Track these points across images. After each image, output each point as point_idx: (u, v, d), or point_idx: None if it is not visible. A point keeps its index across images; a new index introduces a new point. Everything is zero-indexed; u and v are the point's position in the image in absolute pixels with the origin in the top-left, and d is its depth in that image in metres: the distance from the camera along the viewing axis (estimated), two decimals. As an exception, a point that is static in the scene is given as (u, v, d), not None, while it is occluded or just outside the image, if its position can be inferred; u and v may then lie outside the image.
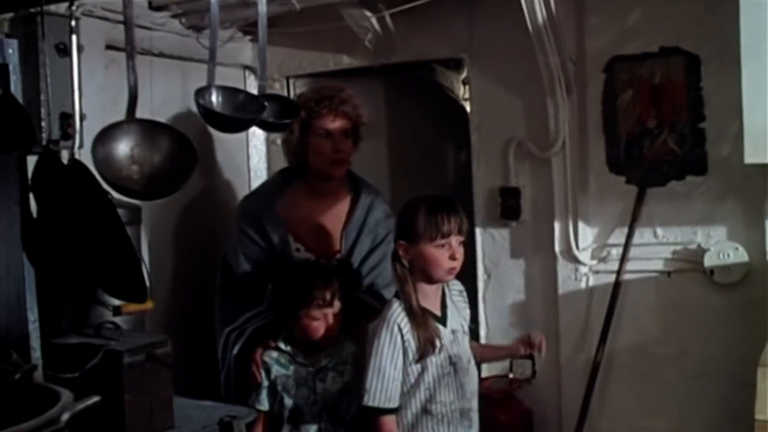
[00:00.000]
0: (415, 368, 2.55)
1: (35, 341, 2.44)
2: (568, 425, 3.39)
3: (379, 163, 4.09)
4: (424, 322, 2.55)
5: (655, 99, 3.28)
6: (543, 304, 3.46)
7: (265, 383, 2.83)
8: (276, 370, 2.83)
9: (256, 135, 4.00)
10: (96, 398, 1.52)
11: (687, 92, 3.23)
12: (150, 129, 2.00)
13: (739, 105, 2.67)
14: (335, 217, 3.13)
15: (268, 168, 4.08)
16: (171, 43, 3.54)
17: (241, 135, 3.94)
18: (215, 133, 3.57)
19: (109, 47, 3.16)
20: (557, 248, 3.41)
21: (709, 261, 3.18)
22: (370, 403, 2.53)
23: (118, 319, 2.73)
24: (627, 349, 3.33)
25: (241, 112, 2.00)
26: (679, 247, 3.26)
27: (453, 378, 2.62)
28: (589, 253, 3.39)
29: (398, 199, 4.04)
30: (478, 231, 3.62)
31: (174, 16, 3.44)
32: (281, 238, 3.08)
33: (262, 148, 4.06)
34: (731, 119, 2.95)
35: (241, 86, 3.96)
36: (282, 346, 2.86)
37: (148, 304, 2.72)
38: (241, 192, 4.01)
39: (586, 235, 3.40)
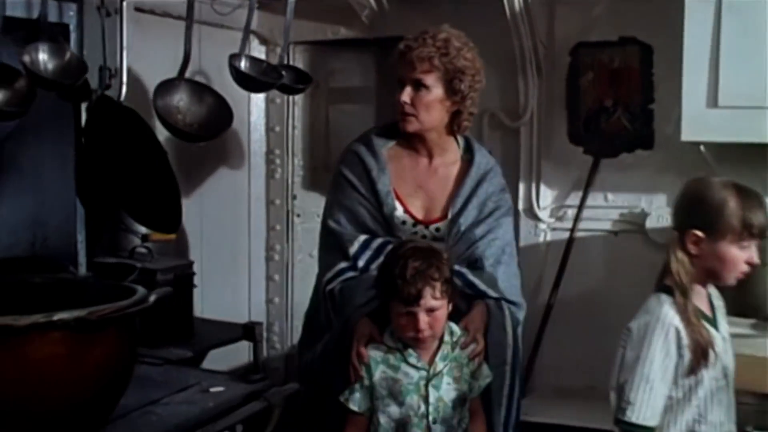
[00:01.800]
0: (687, 380, 2.16)
1: (83, 258, 2.89)
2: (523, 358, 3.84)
3: (367, 124, 4.49)
4: (699, 326, 2.15)
5: (613, 81, 3.71)
6: (506, 255, 3.88)
7: (365, 382, 2.42)
8: (381, 370, 2.41)
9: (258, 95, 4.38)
10: (168, 289, 1.96)
11: (640, 77, 3.66)
12: (194, 87, 2.40)
13: (679, 89, 3.12)
14: (441, 180, 2.80)
15: (266, 124, 4.46)
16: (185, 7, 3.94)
17: (244, 94, 4.32)
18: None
19: (137, 9, 3.56)
20: (521, 206, 3.84)
21: (649, 223, 3.64)
22: (635, 420, 2.11)
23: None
24: (576, 295, 3.78)
25: (264, 77, 2.42)
26: (625, 211, 3.72)
27: (726, 394, 2.23)
28: (548, 212, 3.84)
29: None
30: (453, 190, 4.06)
31: (192, -16, 3.84)
32: (387, 190, 2.74)
33: (262, 105, 4.41)
34: (676, 103, 3.31)
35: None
36: (390, 342, 2.44)
37: (172, 235, 3.18)
38: (241, 144, 4.43)
39: (546, 196, 3.84)
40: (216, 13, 3.94)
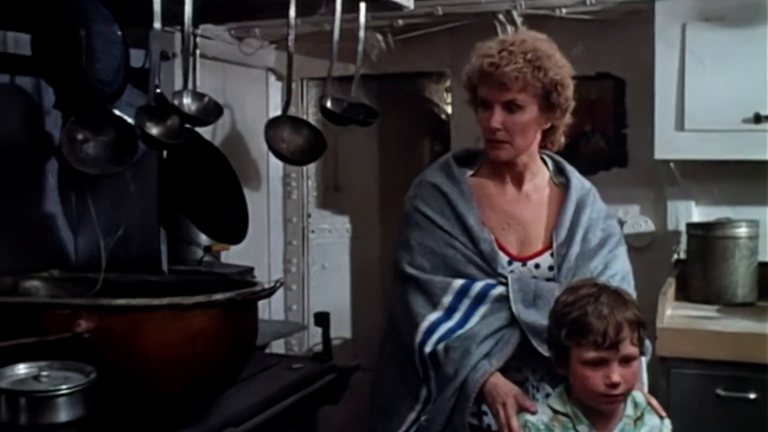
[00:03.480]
0: None
1: (165, 266, 3.36)
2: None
3: (371, 150, 5.05)
4: None
5: (591, 110, 4.17)
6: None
7: None
8: None
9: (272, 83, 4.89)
10: (282, 278, 2.47)
11: (614, 107, 4.17)
12: (294, 122, 2.88)
13: (652, 116, 3.68)
14: (535, 208, 2.44)
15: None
16: (217, 49, 4.46)
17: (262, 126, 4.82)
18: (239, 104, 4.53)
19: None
20: (513, 219, 4.38)
21: (626, 230, 4.10)
22: None
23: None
24: (564, 294, 4.33)
25: (347, 113, 2.94)
26: (604, 220, 4.30)
27: None
28: (538, 223, 4.39)
29: (386, 181, 5.03)
30: (452, 205, 4.60)
31: (227, 29, 4.37)
32: (479, 227, 2.34)
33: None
34: (645, 128, 3.88)
35: (263, 84, 4.94)
36: (558, 406, 2.05)
37: (228, 246, 3.68)
38: (260, 169, 4.87)
39: (536, 210, 4.39)
40: (242, 53, 4.54)
